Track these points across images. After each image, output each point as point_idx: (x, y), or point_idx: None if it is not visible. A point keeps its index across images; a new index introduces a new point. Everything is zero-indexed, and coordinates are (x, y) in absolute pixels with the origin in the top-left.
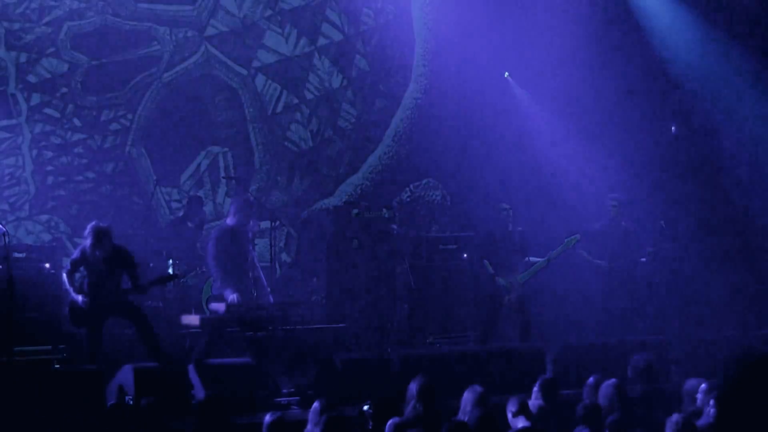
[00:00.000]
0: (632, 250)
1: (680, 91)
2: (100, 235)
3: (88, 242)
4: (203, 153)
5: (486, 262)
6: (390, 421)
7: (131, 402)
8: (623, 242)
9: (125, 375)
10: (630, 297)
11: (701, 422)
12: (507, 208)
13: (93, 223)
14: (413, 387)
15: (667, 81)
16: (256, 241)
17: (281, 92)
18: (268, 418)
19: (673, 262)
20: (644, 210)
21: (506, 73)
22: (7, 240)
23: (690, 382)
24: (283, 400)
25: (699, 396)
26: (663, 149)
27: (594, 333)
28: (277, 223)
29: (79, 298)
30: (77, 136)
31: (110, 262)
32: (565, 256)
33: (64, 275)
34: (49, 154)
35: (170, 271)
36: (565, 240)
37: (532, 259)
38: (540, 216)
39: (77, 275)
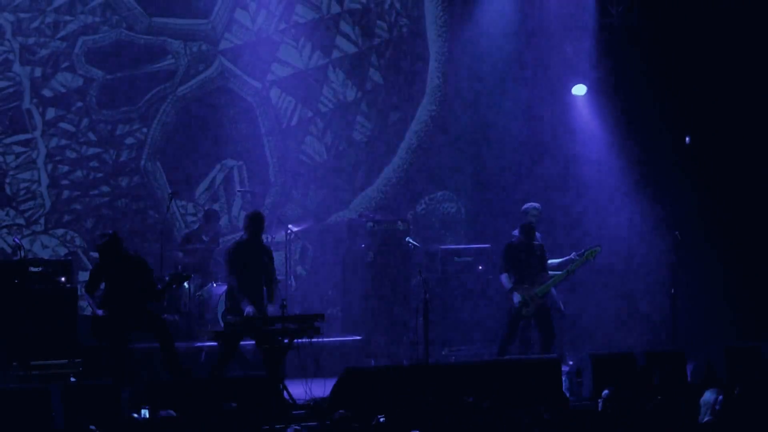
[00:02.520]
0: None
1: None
2: (113, 242)
3: (106, 253)
4: (218, 166)
5: (505, 276)
6: None
7: (145, 417)
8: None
9: (143, 389)
10: (648, 306)
11: None
12: (535, 216)
13: (98, 233)
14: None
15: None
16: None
17: (296, 105)
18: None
19: (689, 270)
20: (660, 219)
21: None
22: (23, 254)
23: (708, 394)
24: (299, 412)
25: (717, 408)
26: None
27: (611, 344)
28: (293, 236)
29: (102, 312)
30: (92, 151)
31: (127, 272)
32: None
33: (84, 293)
34: (65, 168)
35: (185, 285)
36: (585, 252)
37: (551, 272)
38: (556, 229)
39: (97, 289)
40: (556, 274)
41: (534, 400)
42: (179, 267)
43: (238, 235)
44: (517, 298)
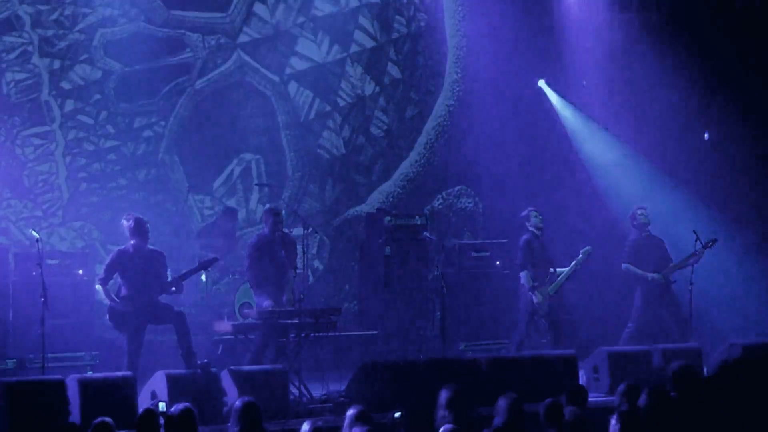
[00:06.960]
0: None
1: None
2: (144, 225)
3: (133, 233)
4: (236, 160)
5: (526, 273)
6: None
7: (163, 408)
8: (660, 251)
9: (158, 381)
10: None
11: None
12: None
13: (132, 216)
14: (443, 395)
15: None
16: None
17: (313, 99)
18: (306, 426)
19: (707, 268)
20: (680, 219)
21: (541, 81)
22: (40, 246)
23: None
24: (315, 406)
25: None
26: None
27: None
28: (310, 230)
29: (121, 301)
30: (110, 143)
31: (146, 261)
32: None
33: (99, 285)
34: (83, 160)
35: (203, 278)
36: (581, 252)
37: (559, 269)
38: (572, 224)
39: (110, 282)
40: (563, 271)
41: (552, 395)
42: (196, 260)
43: (256, 228)
44: (536, 298)
